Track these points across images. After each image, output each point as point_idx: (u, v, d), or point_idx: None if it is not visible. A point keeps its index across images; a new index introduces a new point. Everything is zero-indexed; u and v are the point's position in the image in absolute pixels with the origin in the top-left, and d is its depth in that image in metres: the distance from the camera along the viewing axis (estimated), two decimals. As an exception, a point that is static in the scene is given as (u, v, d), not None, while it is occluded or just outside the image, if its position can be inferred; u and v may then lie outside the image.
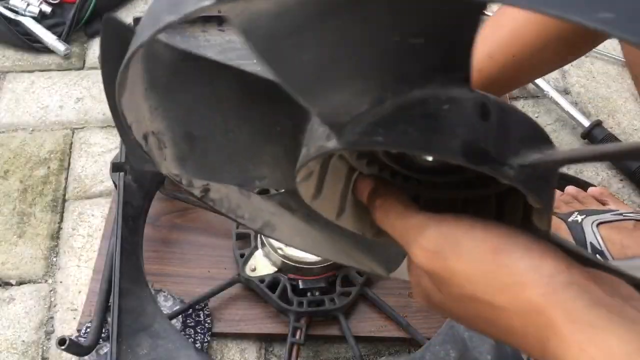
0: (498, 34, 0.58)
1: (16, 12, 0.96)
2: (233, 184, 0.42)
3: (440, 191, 0.37)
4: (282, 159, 0.38)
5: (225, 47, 0.87)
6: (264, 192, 0.46)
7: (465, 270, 0.30)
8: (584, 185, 0.78)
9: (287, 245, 0.49)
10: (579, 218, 0.70)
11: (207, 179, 0.40)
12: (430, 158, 0.34)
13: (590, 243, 0.68)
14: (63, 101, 0.90)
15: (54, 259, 0.74)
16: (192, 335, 0.64)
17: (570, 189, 0.77)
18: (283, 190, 0.44)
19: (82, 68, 0.95)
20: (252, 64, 0.83)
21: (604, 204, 0.74)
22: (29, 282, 0.72)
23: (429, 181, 0.37)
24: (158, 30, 0.24)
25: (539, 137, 0.30)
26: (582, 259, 0.30)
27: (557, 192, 0.76)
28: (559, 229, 0.71)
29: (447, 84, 0.28)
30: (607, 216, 0.70)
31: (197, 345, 0.64)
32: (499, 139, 0.28)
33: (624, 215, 0.70)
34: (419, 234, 0.32)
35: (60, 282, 0.72)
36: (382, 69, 0.28)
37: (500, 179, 0.28)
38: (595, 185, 0.78)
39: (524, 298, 0.29)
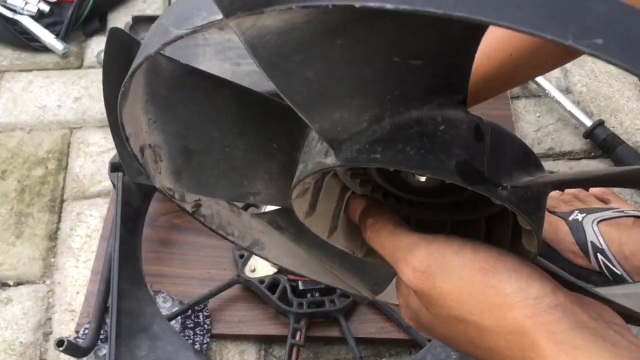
0: (494, 32, 0.58)
1: (14, 11, 0.96)
2: (227, 199, 0.43)
3: (431, 213, 0.38)
4: (277, 175, 0.39)
5: (224, 45, 0.87)
6: (247, 207, 0.46)
7: (453, 291, 0.31)
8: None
9: (274, 264, 0.50)
10: (580, 217, 0.70)
11: (201, 193, 0.40)
12: (423, 178, 0.35)
13: (591, 242, 0.67)
14: (61, 100, 0.89)
15: (52, 260, 0.73)
16: (191, 337, 0.64)
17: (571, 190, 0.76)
18: (273, 209, 0.44)
19: (80, 67, 0.94)
20: (250, 64, 0.83)
21: (606, 203, 0.73)
22: (27, 282, 0.71)
23: (420, 203, 0.38)
24: (166, 43, 0.25)
25: (530, 161, 0.31)
26: (568, 283, 0.31)
27: (557, 192, 0.75)
28: (559, 227, 0.70)
29: (443, 105, 0.29)
30: (608, 213, 0.69)
31: (196, 347, 0.63)
32: (492, 160, 0.29)
33: (625, 213, 0.70)
34: (408, 253, 0.33)
35: (59, 283, 0.71)
36: (382, 88, 0.29)
37: (493, 199, 0.29)
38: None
39: (510, 319, 0.29)
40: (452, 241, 0.32)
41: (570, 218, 0.70)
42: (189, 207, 0.41)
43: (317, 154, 0.32)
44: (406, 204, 0.38)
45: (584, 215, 0.70)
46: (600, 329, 0.28)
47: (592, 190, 0.75)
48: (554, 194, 0.74)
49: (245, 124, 0.37)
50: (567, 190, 0.75)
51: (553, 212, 0.72)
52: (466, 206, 0.37)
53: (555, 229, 0.70)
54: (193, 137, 0.37)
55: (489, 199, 0.30)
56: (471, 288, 0.31)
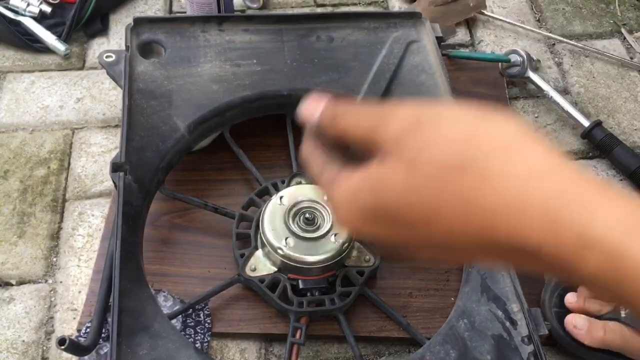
0: None
1: (16, 12, 0.97)
2: None
3: None
4: None
5: (225, 47, 0.88)
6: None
7: (451, 133, 0.26)
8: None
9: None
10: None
11: None
12: None
13: None
14: (63, 101, 0.90)
15: (54, 259, 0.74)
16: (192, 335, 0.64)
17: (570, 299, 0.65)
18: None
19: (82, 68, 0.95)
20: (251, 64, 0.84)
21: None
22: (29, 282, 0.72)
23: None
24: None
25: None
26: None
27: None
28: (624, 333, 0.60)
29: None
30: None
31: (197, 345, 0.64)
32: None
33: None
34: (393, 109, 0.28)
35: (61, 282, 0.72)
36: None
37: None
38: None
39: (528, 157, 0.25)
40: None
41: (623, 314, 0.62)
42: None
43: None
44: None
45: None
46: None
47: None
48: (587, 292, 0.63)
49: None
50: (567, 302, 0.65)
51: (600, 317, 0.63)
52: None
53: (624, 338, 0.60)
54: None
55: None
56: (474, 129, 0.26)
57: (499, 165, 0.25)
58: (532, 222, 0.24)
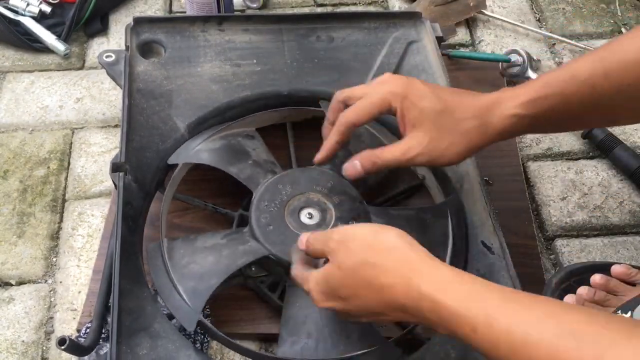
0: (619, 56, 0.56)
1: (16, 12, 0.97)
2: None
3: None
4: None
5: (225, 47, 0.88)
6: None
7: (358, 246, 0.47)
8: (604, 267, 0.68)
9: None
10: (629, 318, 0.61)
11: None
12: None
13: None
14: (63, 101, 0.90)
15: (54, 259, 0.74)
16: (192, 336, 0.64)
17: (597, 280, 0.65)
18: None
19: (82, 68, 0.95)
20: (251, 64, 0.84)
21: (633, 284, 0.66)
22: (29, 282, 0.72)
23: None
24: None
25: None
26: None
27: (587, 293, 0.65)
28: None
29: None
30: None
31: (197, 346, 0.64)
32: None
33: None
34: (329, 239, 0.49)
35: (60, 282, 0.72)
36: None
37: None
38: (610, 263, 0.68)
39: (398, 255, 0.45)
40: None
41: None
42: None
43: None
44: None
45: (629, 314, 0.61)
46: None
47: (615, 271, 0.66)
48: (586, 296, 0.64)
49: None
50: (594, 283, 0.66)
51: None
52: None
53: None
54: None
55: None
56: (371, 241, 0.47)
57: (384, 259, 0.45)
58: (399, 291, 0.44)
